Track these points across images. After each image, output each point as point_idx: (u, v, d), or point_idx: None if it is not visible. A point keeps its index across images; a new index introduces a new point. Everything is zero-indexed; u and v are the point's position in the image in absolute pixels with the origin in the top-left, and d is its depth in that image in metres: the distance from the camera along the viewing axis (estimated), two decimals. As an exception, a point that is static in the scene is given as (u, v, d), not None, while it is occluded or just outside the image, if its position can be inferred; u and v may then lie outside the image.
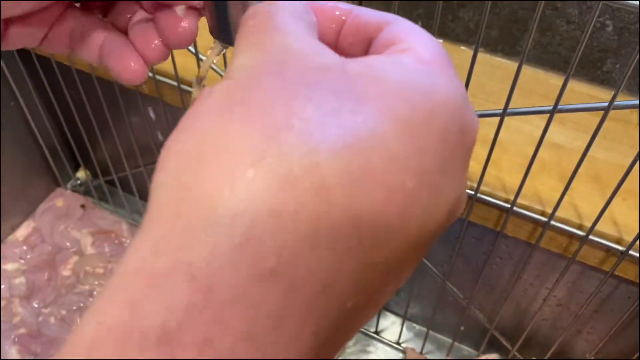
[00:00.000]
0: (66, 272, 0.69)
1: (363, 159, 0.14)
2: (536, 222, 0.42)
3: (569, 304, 0.50)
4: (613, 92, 0.31)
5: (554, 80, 0.50)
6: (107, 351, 0.12)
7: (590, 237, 0.40)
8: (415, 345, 0.64)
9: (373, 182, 0.14)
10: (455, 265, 0.53)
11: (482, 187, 0.42)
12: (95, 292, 0.67)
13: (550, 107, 0.34)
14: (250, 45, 0.16)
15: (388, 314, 0.67)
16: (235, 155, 0.13)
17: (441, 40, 0.55)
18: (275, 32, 0.16)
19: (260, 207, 0.13)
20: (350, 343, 0.66)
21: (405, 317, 0.62)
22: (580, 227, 0.41)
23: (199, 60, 0.46)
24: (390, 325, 0.66)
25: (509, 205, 0.42)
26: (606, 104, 0.32)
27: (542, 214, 0.42)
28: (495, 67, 0.52)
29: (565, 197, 0.38)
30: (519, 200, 0.41)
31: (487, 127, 0.38)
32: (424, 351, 0.63)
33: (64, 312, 0.65)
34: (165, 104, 0.54)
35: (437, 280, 0.56)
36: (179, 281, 0.13)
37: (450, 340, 0.62)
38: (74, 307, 0.66)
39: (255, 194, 0.13)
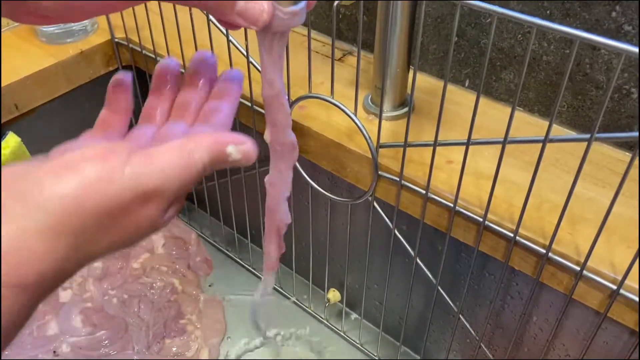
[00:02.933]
0: (136, 265, 0.79)
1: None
2: (571, 272, 0.44)
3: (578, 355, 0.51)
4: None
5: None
6: None
7: (621, 291, 0.41)
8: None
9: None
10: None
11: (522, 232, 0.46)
12: (155, 285, 0.76)
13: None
14: None
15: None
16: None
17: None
18: None
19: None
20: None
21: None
22: (613, 281, 0.42)
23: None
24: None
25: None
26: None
27: (577, 263, 0.44)
28: (532, 125, 0.57)
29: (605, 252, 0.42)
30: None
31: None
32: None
33: (126, 296, 0.74)
34: (258, 134, 0.64)
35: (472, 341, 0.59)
36: None
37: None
38: (135, 294, 0.75)
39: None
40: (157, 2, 0.60)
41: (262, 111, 0.60)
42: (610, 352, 0.48)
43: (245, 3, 0.25)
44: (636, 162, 0.36)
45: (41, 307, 0.74)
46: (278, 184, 0.35)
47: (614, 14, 0.48)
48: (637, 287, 0.42)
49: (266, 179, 0.35)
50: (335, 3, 0.48)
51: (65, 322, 0.71)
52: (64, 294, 0.75)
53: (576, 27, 0.50)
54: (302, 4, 0.26)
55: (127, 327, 0.71)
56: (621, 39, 0.48)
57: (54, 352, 0.69)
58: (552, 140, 0.39)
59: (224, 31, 0.57)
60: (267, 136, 0.33)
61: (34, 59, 0.67)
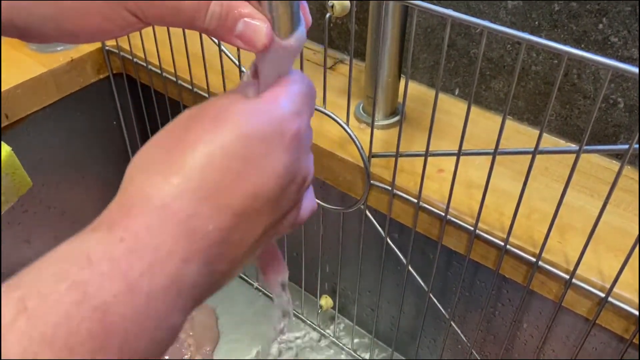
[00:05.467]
0: (127, 273, 0.78)
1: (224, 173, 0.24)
2: (561, 280, 0.45)
3: (568, 363, 0.52)
4: (626, 167, 0.35)
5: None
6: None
7: (610, 299, 0.42)
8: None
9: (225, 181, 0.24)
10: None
11: (511, 241, 0.47)
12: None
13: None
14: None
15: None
16: (163, 170, 0.24)
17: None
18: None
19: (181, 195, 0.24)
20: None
21: (417, 362, 0.65)
22: (602, 289, 0.43)
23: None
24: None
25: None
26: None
27: (567, 272, 0.44)
28: (522, 134, 0.58)
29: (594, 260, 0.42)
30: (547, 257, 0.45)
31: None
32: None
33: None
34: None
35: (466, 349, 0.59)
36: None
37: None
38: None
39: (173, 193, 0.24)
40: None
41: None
42: (599, 358, 0.49)
43: (245, 26, 0.25)
44: (624, 171, 0.37)
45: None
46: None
47: (600, 25, 0.48)
48: (625, 294, 0.42)
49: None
50: (328, 15, 0.48)
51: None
52: (55, 303, 0.74)
53: (564, 38, 0.51)
54: (299, 34, 0.27)
55: (119, 336, 0.71)
56: (607, 50, 0.49)
57: None
58: (542, 152, 0.40)
59: (216, 40, 0.57)
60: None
61: (24, 68, 0.67)
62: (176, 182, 0.23)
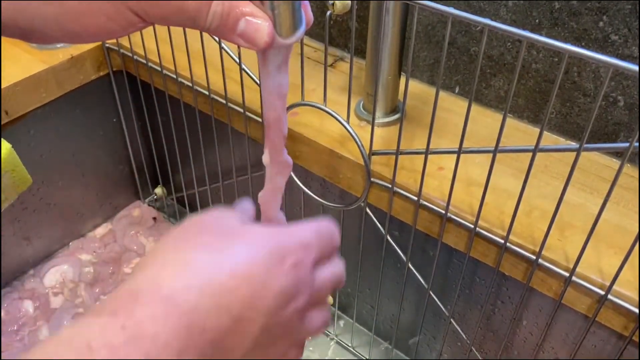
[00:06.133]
0: (128, 270, 0.79)
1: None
2: (560, 277, 0.45)
3: (568, 360, 0.52)
4: (626, 165, 0.35)
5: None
6: None
7: (609, 297, 0.42)
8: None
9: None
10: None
11: (511, 238, 0.47)
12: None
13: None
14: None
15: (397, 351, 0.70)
16: (174, 265, 0.25)
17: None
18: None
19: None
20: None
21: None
22: (601, 287, 0.43)
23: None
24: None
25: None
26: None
27: (566, 269, 0.44)
28: (522, 132, 0.58)
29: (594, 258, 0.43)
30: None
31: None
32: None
33: (118, 301, 0.74)
34: (250, 140, 0.64)
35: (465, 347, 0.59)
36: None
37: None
38: (127, 299, 0.75)
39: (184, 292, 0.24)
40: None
41: (256, 118, 0.60)
42: (598, 355, 0.49)
43: (246, 25, 0.25)
44: (624, 169, 0.37)
45: (32, 313, 0.73)
46: (271, 201, 0.35)
47: (601, 23, 0.48)
48: (625, 292, 0.42)
49: (260, 196, 0.35)
50: (328, 13, 0.48)
51: (57, 328, 0.71)
52: (56, 300, 0.75)
53: (564, 36, 0.51)
54: (301, 33, 0.27)
55: (119, 333, 0.71)
56: (608, 48, 0.49)
57: (46, 358, 0.68)
58: (542, 150, 0.40)
59: (217, 38, 0.57)
60: (266, 158, 0.33)
61: (24, 65, 0.67)
62: (186, 275, 0.24)
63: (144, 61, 0.68)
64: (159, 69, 0.66)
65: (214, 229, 0.27)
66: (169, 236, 0.27)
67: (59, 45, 0.70)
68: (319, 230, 0.29)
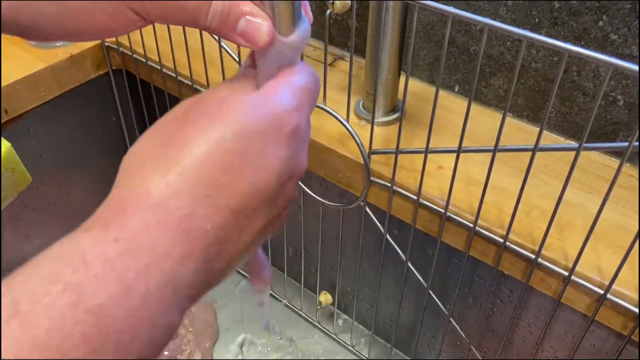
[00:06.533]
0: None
1: (220, 162, 0.24)
2: (560, 277, 0.45)
3: None
4: (625, 164, 0.35)
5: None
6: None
7: (609, 296, 0.42)
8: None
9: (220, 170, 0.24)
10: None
11: (510, 238, 0.47)
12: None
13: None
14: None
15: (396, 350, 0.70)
16: (160, 167, 0.23)
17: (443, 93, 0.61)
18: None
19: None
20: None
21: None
22: (601, 286, 0.43)
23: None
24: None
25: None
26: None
27: (566, 268, 0.44)
28: (521, 131, 0.58)
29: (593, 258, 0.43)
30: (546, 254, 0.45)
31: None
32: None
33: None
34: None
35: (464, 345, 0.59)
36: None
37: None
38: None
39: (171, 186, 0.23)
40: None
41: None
42: (597, 354, 0.49)
43: (247, 24, 0.25)
44: (623, 168, 0.37)
45: (31, 312, 0.73)
46: None
47: (600, 23, 0.48)
48: (624, 291, 0.43)
49: None
50: (328, 12, 0.48)
51: (56, 327, 0.71)
52: (55, 299, 0.75)
53: (564, 36, 0.51)
54: (302, 31, 0.26)
55: (118, 332, 0.71)
56: (607, 47, 0.49)
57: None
58: (542, 149, 0.40)
59: (216, 37, 0.57)
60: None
61: (24, 63, 0.67)
62: (173, 180, 0.23)
63: (144, 60, 0.68)
64: (159, 67, 0.66)
65: (197, 113, 0.25)
66: (153, 128, 0.25)
67: (58, 44, 0.70)
68: (310, 84, 0.27)
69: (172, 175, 0.23)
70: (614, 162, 0.53)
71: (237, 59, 0.57)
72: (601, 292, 0.43)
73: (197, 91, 0.64)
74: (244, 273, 0.81)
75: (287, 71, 0.26)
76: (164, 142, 0.24)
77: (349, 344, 0.72)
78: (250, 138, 0.24)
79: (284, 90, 0.26)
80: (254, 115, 0.24)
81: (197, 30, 0.57)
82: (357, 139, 0.52)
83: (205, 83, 0.61)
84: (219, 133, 0.24)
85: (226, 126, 0.24)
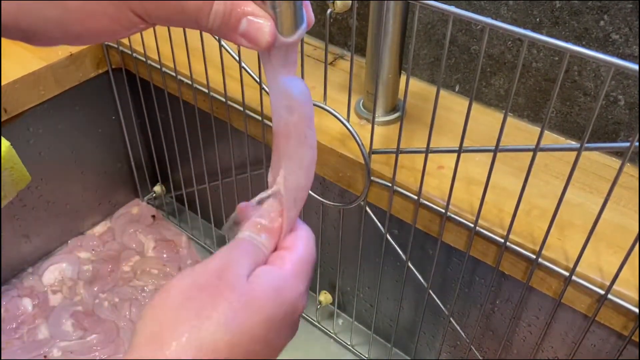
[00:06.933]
0: (126, 268, 0.79)
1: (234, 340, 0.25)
2: (560, 277, 0.45)
3: None
4: (627, 164, 0.35)
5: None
6: None
7: (609, 296, 0.42)
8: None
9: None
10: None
11: (511, 238, 0.47)
12: (146, 289, 0.76)
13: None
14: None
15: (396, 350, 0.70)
16: (176, 332, 0.24)
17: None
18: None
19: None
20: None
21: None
22: (601, 286, 0.43)
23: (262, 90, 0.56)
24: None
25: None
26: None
27: (566, 268, 0.44)
28: (522, 131, 0.58)
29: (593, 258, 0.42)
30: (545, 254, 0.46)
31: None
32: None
33: (117, 299, 0.74)
34: (250, 139, 0.64)
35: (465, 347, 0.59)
36: None
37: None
38: (126, 297, 0.75)
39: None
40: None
41: (255, 116, 0.60)
42: (597, 354, 0.49)
43: (248, 24, 0.25)
44: (624, 169, 0.37)
45: (31, 311, 0.73)
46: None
47: (602, 22, 0.48)
48: (625, 291, 0.42)
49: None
50: (329, 11, 0.48)
51: (55, 326, 0.71)
52: (54, 298, 0.75)
53: (565, 36, 0.51)
54: (302, 32, 0.27)
55: (118, 331, 0.71)
56: (609, 47, 0.49)
57: (45, 356, 0.68)
58: (543, 149, 0.40)
59: (216, 37, 0.57)
60: (279, 181, 0.29)
61: (24, 62, 0.67)
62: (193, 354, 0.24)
63: (144, 59, 0.68)
64: (159, 66, 0.66)
65: (215, 288, 0.26)
66: (167, 300, 0.26)
67: (58, 43, 0.69)
68: (312, 257, 0.29)
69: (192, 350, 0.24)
70: (615, 162, 0.53)
71: (238, 59, 0.57)
72: (602, 292, 0.43)
73: (197, 90, 0.64)
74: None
75: (296, 242, 0.29)
76: (184, 317, 0.25)
77: (348, 343, 0.72)
78: (275, 327, 0.26)
79: (300, 273, 0.28)
80: (279, 303, 0.27)
81: (198, 30, 0.57)
82: (357, 138, 0.52)
83: (205, 82, 0.61)
84: (246, 321, 0.25)
85: (257, 314, 0.26)
